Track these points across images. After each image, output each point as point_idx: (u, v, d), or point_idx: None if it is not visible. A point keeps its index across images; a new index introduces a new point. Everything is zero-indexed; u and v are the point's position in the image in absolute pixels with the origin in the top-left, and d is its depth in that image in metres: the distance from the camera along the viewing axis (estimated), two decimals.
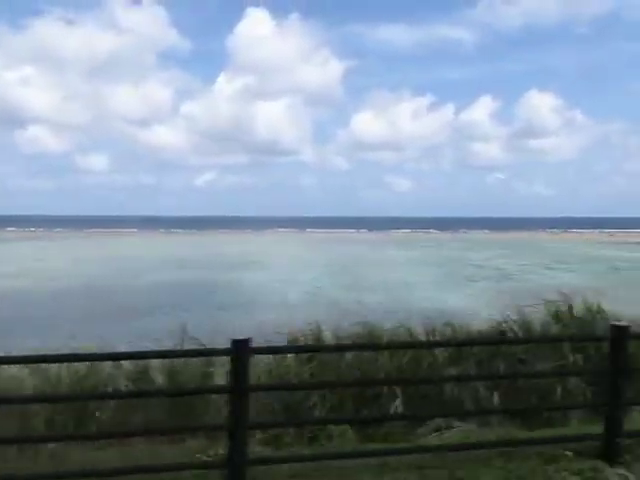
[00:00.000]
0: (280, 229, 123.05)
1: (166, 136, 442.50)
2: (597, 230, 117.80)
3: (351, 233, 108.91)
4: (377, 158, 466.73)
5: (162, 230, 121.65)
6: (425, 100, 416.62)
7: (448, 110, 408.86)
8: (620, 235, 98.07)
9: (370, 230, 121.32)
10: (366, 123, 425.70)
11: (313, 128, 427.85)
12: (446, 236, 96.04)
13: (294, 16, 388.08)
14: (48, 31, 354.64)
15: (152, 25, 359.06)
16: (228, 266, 39.93)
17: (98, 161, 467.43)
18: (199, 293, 27.97)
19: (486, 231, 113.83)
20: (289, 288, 28.86)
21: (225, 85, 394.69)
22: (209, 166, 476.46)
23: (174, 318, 16.02)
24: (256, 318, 18.15)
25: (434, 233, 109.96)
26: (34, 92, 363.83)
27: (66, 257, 47.82)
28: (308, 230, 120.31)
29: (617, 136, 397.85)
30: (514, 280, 32.84)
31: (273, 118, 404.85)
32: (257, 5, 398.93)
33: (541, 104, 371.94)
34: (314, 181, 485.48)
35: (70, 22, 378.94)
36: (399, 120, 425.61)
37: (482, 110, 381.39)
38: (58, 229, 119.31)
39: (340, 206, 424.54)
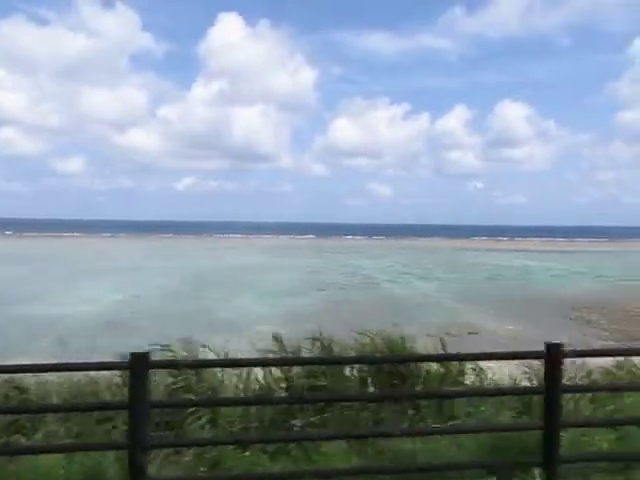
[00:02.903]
0: (226, 235, 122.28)
1: (143, 140, 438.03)
2: (542, 239, 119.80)
3: (298, 239, 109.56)
4: (355, 165, 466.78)
5: (107, 234, 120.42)
6: (402, 109, 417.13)
7: (425, 118, 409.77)
8: (561, 244, 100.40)
9: (318, 236, 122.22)
10: (344, 130, 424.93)
11: (291, 135, 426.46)
12: (379, 243, 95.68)
13: (274, 23, 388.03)
14: (20, 32, 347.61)
15: (126, 28, 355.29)
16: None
17: (73, 164, 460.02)
18: None
19: (423, 239, 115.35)
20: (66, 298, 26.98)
21: (202, 90, 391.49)
22: (187, 171, 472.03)
23: None
24: None
25: (378, 240, 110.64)
26: (6, 94, 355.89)
27: None
28: (265, 236, 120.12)
29: (590, 146, 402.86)
30: (367, 290, 31.66)
31: (251, 124, 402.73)
32: (234, 10, 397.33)
33: (516, 114, 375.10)
34: (291, 187, 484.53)
35: (43, 23, 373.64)
36: (377, 127, 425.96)
37: (459, 119, 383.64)
38: (8, 232, 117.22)
39: (316, 212, 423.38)
